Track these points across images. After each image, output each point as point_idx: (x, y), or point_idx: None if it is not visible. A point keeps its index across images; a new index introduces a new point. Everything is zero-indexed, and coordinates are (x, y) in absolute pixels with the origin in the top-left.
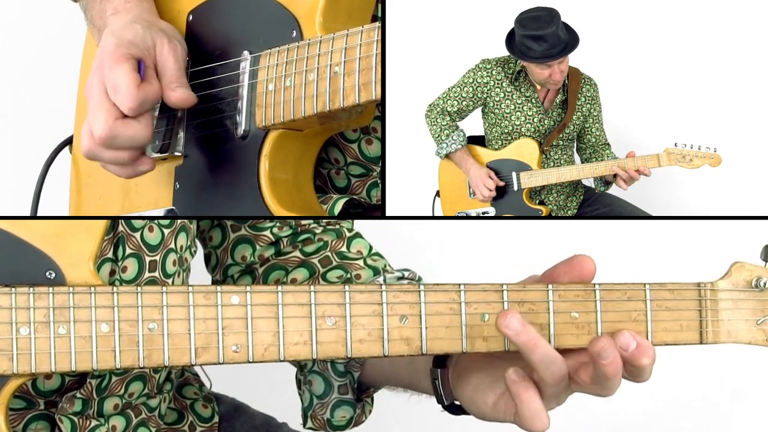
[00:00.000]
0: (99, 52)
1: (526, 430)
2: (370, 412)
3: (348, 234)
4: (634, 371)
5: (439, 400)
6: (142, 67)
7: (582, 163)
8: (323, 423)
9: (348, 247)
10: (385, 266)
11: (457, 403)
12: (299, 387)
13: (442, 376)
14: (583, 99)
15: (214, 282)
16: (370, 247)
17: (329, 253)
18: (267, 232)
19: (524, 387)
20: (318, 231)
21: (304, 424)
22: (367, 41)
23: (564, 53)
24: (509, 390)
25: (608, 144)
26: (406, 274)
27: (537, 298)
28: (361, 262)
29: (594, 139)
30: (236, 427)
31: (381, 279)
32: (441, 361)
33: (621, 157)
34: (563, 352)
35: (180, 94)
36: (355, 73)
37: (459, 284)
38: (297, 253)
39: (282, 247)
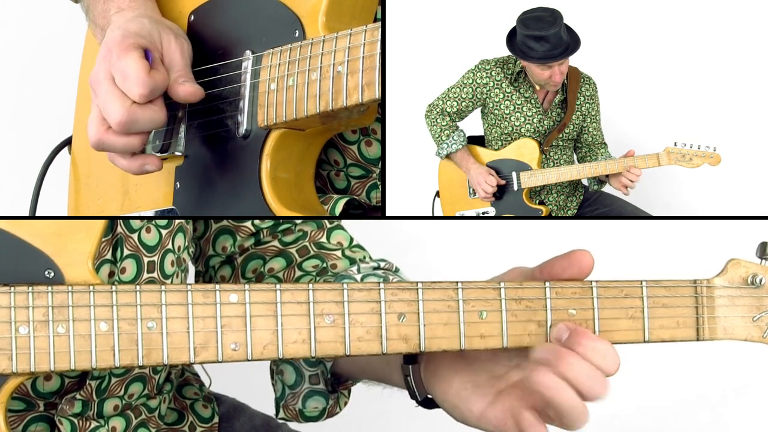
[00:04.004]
0: (104, 44)
1: None
2: (346, 404)
3: (329, 225)
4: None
5: (413, 396)
6: (150, 56)
7: (577, 161)
8: (295, 413)
9: (328, 238)
10: (364, 257)
11: (430, 397)
12: (272, 377)
13: (414, 372)
14: (582, 98)
15: (197, 273)
16: (351, 239)
17: (307, 243)
18: (248, 223)
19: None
20: (299, 222)
21: (276, 415)
22: (371, 41)
23: (565, 55)
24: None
25: (605, 143)
26: (382, 264)
27: (534, 296)
28: (339, 253)
29: (591, 138)
30: (236, 427)
31: (355, 268)
32: (412, 356)
33: (616, 157)
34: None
35: (188, 88)
36: (358, 73)
37: (456, 282)
38: (275, 243)
39: (262, 237)
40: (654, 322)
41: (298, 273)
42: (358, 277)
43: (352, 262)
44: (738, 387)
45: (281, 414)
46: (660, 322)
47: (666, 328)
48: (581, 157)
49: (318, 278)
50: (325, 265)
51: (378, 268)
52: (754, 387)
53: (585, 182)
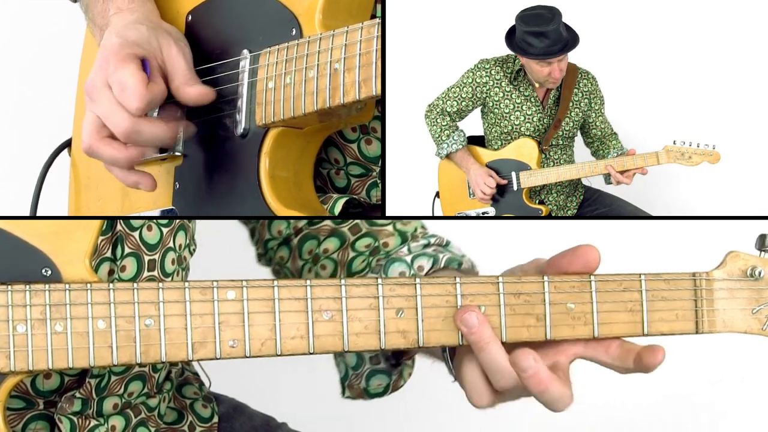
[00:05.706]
0: (101, 50)
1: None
2: (410, 375)
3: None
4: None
5: (450, 372)
6: (147, 66)
7: (592, 156)
8: (360, 392)
9: None
10: (416, 229)
11: None
12: (335, 358)
13: (451, 350)
14: (581, 94)
15: (258, 255)
16: None
17: (359, 221)
18: None
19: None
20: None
21: (343, 394)
22: (367, 37)
23: (565, 51)
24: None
25: (615, 134)
26: (432, 240)
27: (533, 290)
28: (391, 228)
29: (599, 132)
30: (236, 427)
31: (405, 249)
32: None
33: (627, 147)
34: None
35: (199, 90)
36: (355, 69)
37: (455, 277)
38: (328, 222)
39: None
40: (653, 315)
41: (351, 254)
42: (408, 258)
43: (404, 238)
44: (735, 378)
45: (347, 393)
46: (659, 315)
47: (665, 321)
48: (594, 151)
49: (371, 258)
50: (377, 244)
51: (428, 245)
52: (751, 378)
53: (585, 182)
